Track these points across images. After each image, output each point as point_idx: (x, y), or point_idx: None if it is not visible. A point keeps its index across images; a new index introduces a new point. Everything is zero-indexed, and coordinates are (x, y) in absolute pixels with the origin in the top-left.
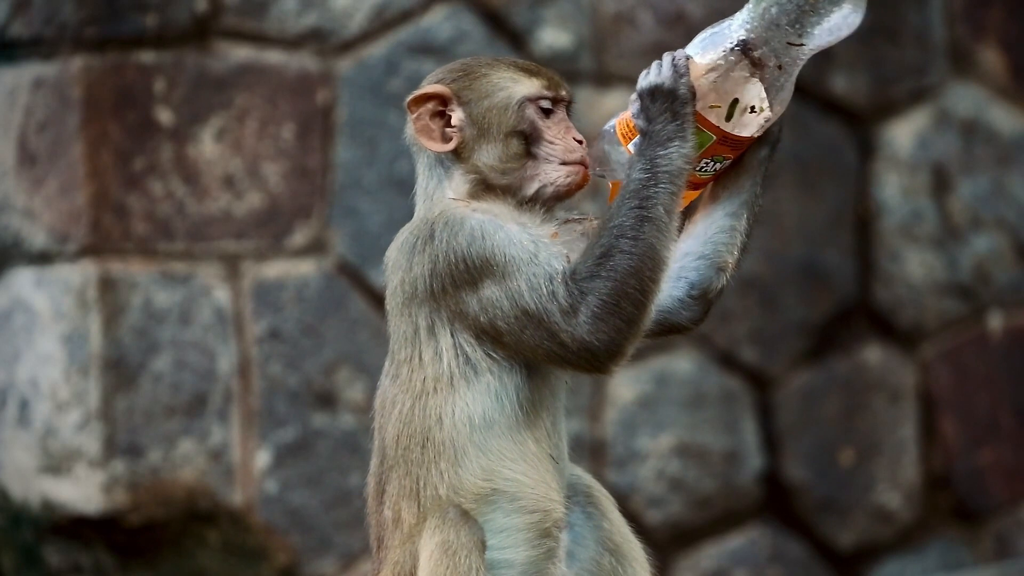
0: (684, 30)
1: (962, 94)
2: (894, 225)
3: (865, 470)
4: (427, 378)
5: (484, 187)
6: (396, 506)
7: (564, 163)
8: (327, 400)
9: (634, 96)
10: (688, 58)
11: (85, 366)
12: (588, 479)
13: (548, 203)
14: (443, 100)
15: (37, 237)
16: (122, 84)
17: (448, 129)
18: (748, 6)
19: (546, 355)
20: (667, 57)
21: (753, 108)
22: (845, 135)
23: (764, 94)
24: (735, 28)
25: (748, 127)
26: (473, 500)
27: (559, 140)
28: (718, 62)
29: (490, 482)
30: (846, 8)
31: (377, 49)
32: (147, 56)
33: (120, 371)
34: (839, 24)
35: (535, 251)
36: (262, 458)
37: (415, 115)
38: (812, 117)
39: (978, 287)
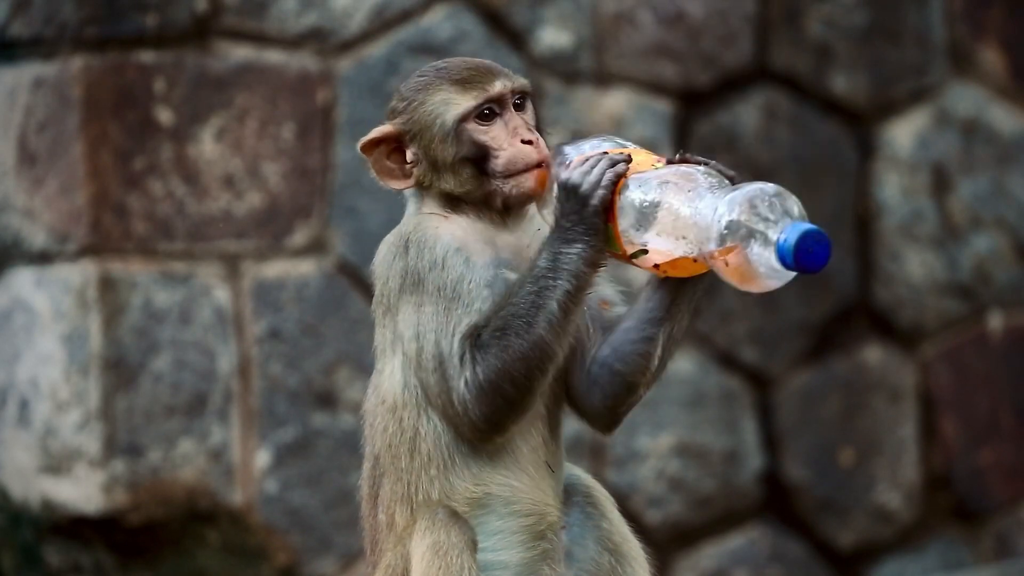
0: (684, 30)
1: (962, 94)
2: (894, 225)
3: (865, 470)
4: (395, 393)
5: (459, 201)
6: (389, 510)
7: (515, 174)
8: (327, 400)
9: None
10: (621, 173)
11: (85, 366)
12: (587, 479)
13: (519, 207)
14: (395, 139)
15: (37, 237)
16: (122, 84)
17: (406, 166)
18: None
19: (442, 408)
20: (603, 163)
21: (657, 266)
22: (845, 135)
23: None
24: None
25: (647, 264)
26: (466, 504)
27: (505, 148)
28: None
29: (482, 486)
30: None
31: (377, 49)
32: (147, 56)
33: (120, 371)
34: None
35: (475, 298)
36: (262, 458)
37: (371, 159)
38: (812, 117)
39: (978, 287)
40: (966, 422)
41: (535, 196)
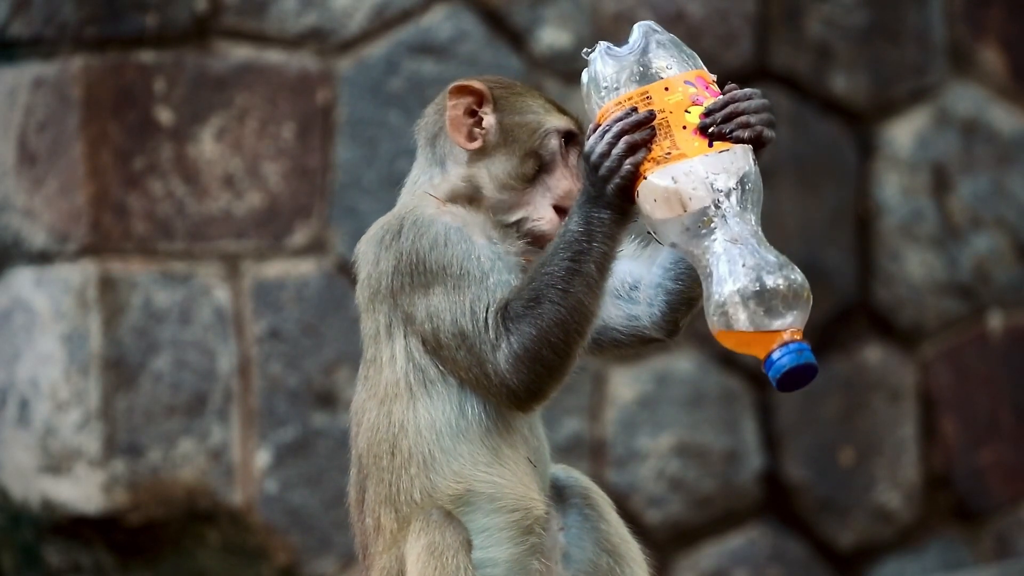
0: (684, 30)
1: (962, 94)
2: (894, 225)
3: (865, 470)
4: (387, 382)
5: (469, 198)
6: (375, 513)
7: (555, 206)
8: (327, 400)
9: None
10: (638, 163)
11: (85, 366)
12: (585, 480)
13: (518, 236)
14: (482, 100)
15: (37, 237)
16: (122, 84)
17: (476, 130)
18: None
19: (475, 381)
20: (622, 144)
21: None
22: (845, 135)
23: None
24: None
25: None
26: (450, 502)
27: (564, 181)
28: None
29: (464, 484)
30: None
31: (377, 49)
32: (147, 56)
33: (120, 371)
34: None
35: (488, 271)
36: (262, 458)
37: (453, 103)
38: (812, 117)
39: (978, 287)
40: (966, 422)
41: (541, 243)
